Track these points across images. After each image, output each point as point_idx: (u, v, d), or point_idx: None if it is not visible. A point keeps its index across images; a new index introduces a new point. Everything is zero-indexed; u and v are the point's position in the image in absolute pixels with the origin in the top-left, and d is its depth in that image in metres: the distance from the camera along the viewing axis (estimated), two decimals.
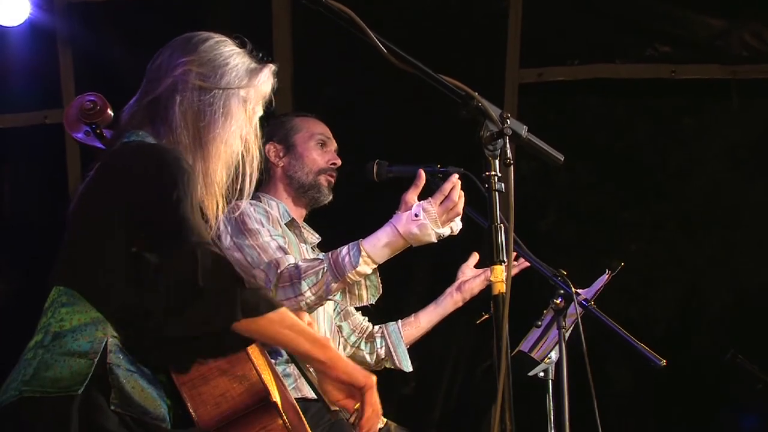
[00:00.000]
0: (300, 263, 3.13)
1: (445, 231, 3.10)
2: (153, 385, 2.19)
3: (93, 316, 2.17)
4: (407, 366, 3.71)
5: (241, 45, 2.48)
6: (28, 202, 5.30)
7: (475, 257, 3.78)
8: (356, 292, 3.31)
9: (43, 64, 5.26)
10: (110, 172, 2.27)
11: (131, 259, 2.16)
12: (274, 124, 3.71)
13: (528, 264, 3.50)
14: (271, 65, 2.49)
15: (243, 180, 2.43)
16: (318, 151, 3.65)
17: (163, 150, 2.28)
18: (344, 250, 3.12)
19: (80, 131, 2.48)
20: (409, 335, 3.75)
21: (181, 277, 2.09)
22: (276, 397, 2.22)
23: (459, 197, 3.09)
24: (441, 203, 3.07)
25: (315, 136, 3.67)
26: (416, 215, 3.06)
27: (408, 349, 3.75)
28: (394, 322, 3.76)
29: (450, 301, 3.74)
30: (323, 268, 3.08)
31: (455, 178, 3.11)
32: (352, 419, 2.33)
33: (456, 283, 3.76)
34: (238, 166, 2.42)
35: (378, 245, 3.09)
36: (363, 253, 3.07)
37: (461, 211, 3.11)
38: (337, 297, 3.24)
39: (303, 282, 3.07)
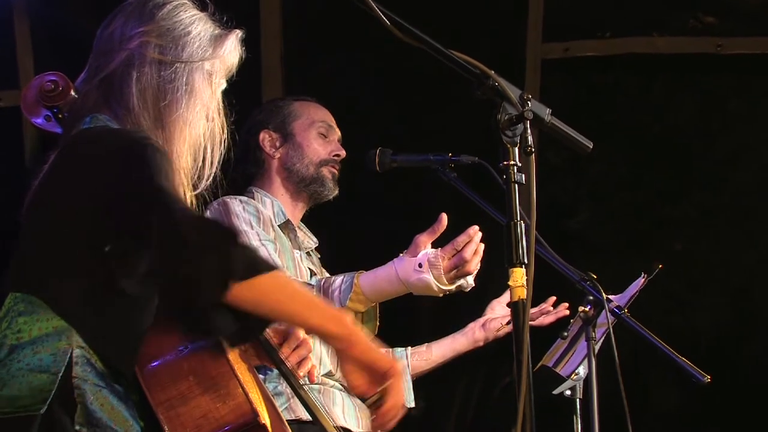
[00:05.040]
0: None
1: (452, 288, 3.10)
2: (124, 403, 2.18)
3: (55, 325, 2.16)
4: (409, 401, 3.60)
5: (202, 7, 2.47)
6: None
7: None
8: None
9: None
10: (71, 162, 2.27)
11: (100, 255, 2.15)
12: (269, 109, 3.72)
13: (567, 312, 3.51)
14: (237, 31, 2.47)
15: (203, 162, 2.41)
16: (319, 140, 3.65)
17: (129, 132, 2.28)
18: (337, 281, 3.14)
19: (40, 116, 2.48)
20: (416, 367, 3.70)
21: (166, 242, 2.06)
22: (265, 418, 2.22)
23: (474, 254, 3.08)
24: (451, 257, 3.07)
25: (316, 123, 3.68)
26: (420, 265, 3.06)
27: (414, 382, 3.67)
28: (403, 349, 3.71)
29: (470, 338, 3.71)
30: None
31: (473, 231, 3.10)
32: (367, 403, 2.28)
33: (481, 320, 3.73)
34: (204, 148, 2.41)
35: (374, 285, 3.12)
36: (356, 289, 3.10)
37: (474, 270, 3.11)
38: None
39: None
